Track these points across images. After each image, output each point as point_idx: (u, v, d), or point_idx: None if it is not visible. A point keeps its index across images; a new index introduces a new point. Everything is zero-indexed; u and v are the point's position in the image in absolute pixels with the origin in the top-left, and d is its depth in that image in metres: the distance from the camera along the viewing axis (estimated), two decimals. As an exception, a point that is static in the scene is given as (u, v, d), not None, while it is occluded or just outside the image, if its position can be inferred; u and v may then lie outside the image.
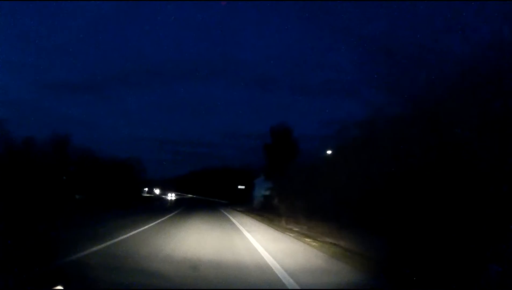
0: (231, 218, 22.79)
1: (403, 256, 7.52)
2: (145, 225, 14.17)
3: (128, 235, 10.81)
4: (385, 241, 9.13)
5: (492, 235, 6.27)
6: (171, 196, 70.04)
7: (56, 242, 8.44)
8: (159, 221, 17.36)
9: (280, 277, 5.93)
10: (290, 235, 13.16)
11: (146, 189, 75.82)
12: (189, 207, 35.58)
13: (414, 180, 9.97)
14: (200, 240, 10.60)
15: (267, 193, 36.44)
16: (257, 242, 10.63)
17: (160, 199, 61.62)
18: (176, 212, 26.58)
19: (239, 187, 38.64)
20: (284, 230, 15.43)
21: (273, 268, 6.68)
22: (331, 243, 10.70)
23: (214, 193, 68.58)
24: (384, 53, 17.43)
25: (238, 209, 35.75)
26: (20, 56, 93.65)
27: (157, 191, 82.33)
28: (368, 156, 13.53)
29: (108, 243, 8.81)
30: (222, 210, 32.39)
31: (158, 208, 33.45)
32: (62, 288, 3.70)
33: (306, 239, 11.75)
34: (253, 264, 7.15)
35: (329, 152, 21.02)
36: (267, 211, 26.63)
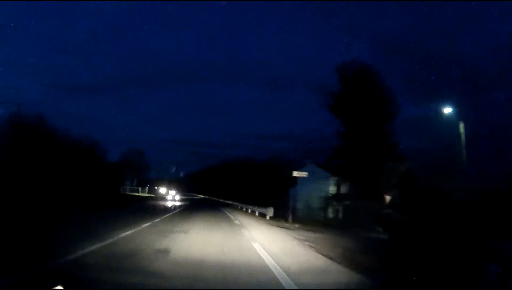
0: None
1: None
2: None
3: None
4: None
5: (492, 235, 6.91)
6: (172, 197, 53.18)
7: None
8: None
9: None
10: None
11: (159, 188, 63.47)
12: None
13: None
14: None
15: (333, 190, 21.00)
16: None
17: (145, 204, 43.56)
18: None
19: (296, 173, 20.07)
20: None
21: None
22: None
23: (234, 193, 45.28)
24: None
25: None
26: (36, 57, 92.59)
27: (163, 191, 65.21)
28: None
29: None
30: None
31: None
32: (62, 288, 3.62)
33: None
34: None
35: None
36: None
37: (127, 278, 4.99)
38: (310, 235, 12.45)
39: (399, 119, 17.84)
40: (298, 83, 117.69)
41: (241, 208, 29.93)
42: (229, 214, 22.74)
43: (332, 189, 21.25)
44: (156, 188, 65.47)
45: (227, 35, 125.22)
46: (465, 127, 13.62)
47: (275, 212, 19.69)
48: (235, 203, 34.45)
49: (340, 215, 19.40)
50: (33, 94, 72.32)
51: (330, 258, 7.48)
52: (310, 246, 9.47)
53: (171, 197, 54.15)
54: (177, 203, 35.41)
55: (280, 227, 15.36)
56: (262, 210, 22.04)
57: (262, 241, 9.76)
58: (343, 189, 20.04)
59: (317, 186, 21.50)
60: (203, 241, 9.29)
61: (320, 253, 8.17)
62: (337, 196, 20.20)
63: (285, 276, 5.52)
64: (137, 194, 54.48)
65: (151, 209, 23.81)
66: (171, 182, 72.71)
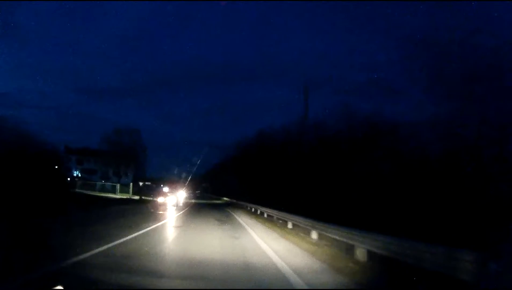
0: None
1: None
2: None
3: None
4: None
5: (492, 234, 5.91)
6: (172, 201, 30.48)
7: None
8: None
9: None
10: None
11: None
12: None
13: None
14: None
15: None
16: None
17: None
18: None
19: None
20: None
21: None
22: None
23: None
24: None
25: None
26: (61, 61, 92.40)
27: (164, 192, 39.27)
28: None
29: None
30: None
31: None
32: (62, 288, 3.48)
33: None
34: None
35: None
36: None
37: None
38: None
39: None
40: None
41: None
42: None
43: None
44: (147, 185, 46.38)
45: (251, 36, 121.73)
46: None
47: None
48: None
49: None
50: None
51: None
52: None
53: (171, 202, 29.82)
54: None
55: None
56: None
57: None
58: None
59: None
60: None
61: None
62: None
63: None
64: (107, 195, 36.94)
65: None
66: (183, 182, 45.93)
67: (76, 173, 67.43)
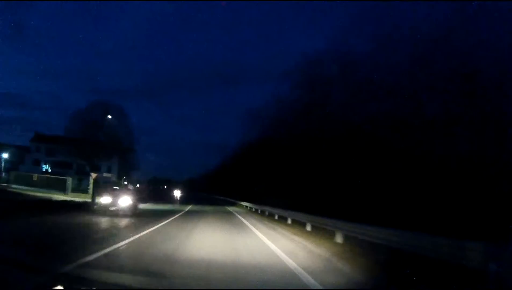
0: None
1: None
2: None
3: None
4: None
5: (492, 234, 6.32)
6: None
7: None
8: None
9: None
10: None
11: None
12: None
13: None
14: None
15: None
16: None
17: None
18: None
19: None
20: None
21: None
22: None
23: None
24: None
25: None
26: (75, 63, 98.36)
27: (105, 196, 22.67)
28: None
29: None
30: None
31: None
32: (62, 288, 3.48)
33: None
34: None
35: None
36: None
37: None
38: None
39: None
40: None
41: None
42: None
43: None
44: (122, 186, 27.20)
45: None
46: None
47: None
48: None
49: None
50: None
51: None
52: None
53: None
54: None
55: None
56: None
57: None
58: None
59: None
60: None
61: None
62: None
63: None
64: (52, 195, 25.96)
65: None
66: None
67: (45, 167, 56.57)
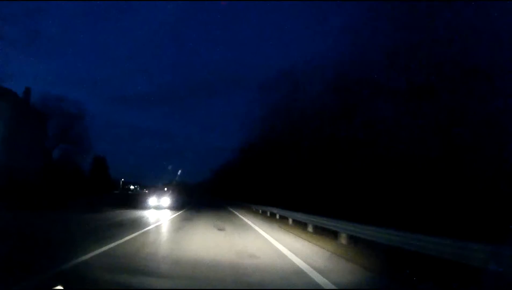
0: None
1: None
2: None
3: None
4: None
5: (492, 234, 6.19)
6: None
7: None
8: None
9: None
10: None
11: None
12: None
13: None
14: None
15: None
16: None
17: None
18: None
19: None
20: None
21: None
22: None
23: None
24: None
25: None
26: (94, 70, 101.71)
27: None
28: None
29: None
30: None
31: None
32: (62, 288, 3.40)
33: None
34: None
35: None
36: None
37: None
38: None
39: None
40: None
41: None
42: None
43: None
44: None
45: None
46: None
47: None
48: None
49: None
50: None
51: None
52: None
53: None
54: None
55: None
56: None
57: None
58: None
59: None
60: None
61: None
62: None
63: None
64: None
65: None
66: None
67: None
